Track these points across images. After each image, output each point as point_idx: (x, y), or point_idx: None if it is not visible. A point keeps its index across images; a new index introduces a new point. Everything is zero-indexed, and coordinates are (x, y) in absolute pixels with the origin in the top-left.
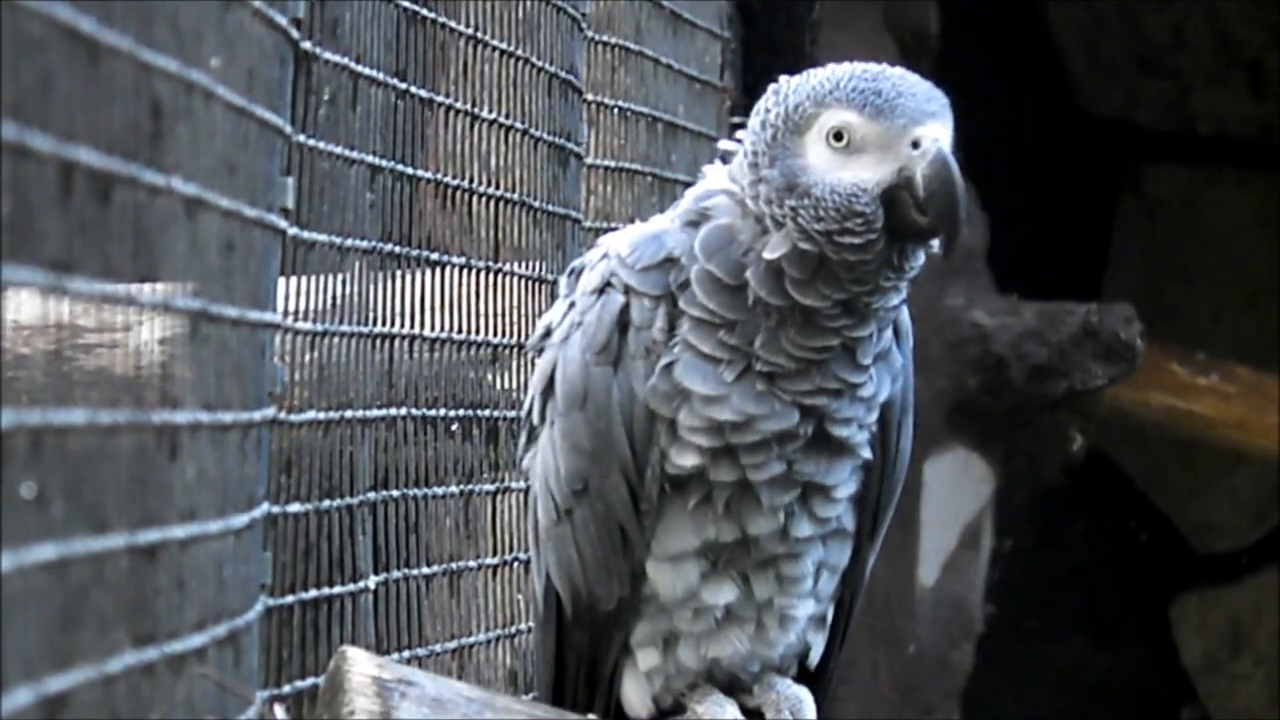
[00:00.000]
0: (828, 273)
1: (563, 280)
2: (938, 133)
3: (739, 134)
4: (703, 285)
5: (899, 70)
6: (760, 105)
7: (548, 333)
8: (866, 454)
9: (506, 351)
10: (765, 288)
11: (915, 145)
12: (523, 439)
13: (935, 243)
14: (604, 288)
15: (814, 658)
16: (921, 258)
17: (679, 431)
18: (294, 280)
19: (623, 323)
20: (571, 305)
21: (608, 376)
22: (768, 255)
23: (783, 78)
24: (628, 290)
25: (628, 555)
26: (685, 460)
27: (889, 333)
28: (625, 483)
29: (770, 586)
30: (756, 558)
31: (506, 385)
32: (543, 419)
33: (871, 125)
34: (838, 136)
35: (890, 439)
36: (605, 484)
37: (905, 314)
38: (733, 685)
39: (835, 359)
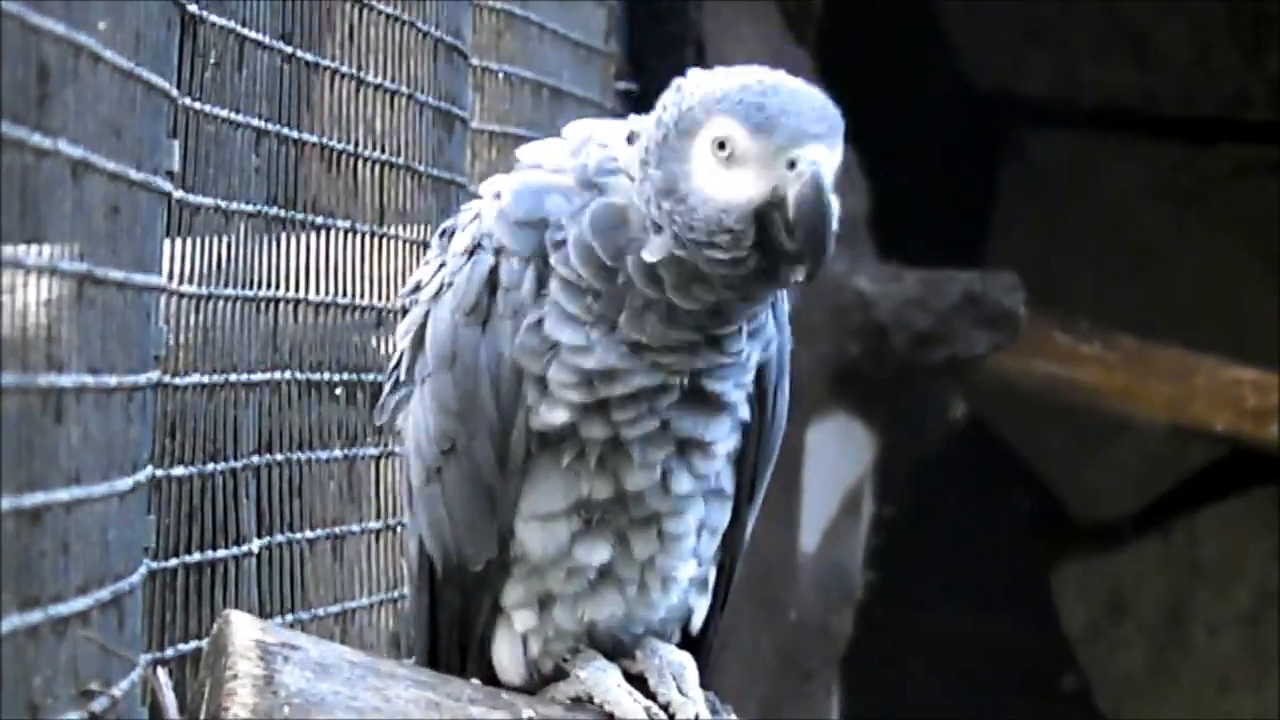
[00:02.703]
0: (703, 279)
1: (434, 239)
2: (819, 155)
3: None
4: (579, 252)
5: (798, 83)
6: (661, 101)
7: (417, 288)
8: (744, 413)
9: (390, 316)
10: (641, 281)
11: (792, 165)
12: (387, 388)
13: (800, 269)
14: (474, 249)
15: (696, 622)
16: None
17: (550, 388)
18: (179, 243)
19: (491, 284)
20: (442, 265)
21: (475, 337)
22: (647, 257)
23: (690, 72)
24: (498, 251)
25: (495, 516)
26: (555, 417)
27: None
28: (491, 443)
29: (651, 545)
30: (636, 514)
31: (390, 350)
32: (410, 374)
33: (752, 140)
34: (721, 146)
35: (767, 401)
36: (472, 444)
37: None
38: (615, 650)
39: (699, 346)
